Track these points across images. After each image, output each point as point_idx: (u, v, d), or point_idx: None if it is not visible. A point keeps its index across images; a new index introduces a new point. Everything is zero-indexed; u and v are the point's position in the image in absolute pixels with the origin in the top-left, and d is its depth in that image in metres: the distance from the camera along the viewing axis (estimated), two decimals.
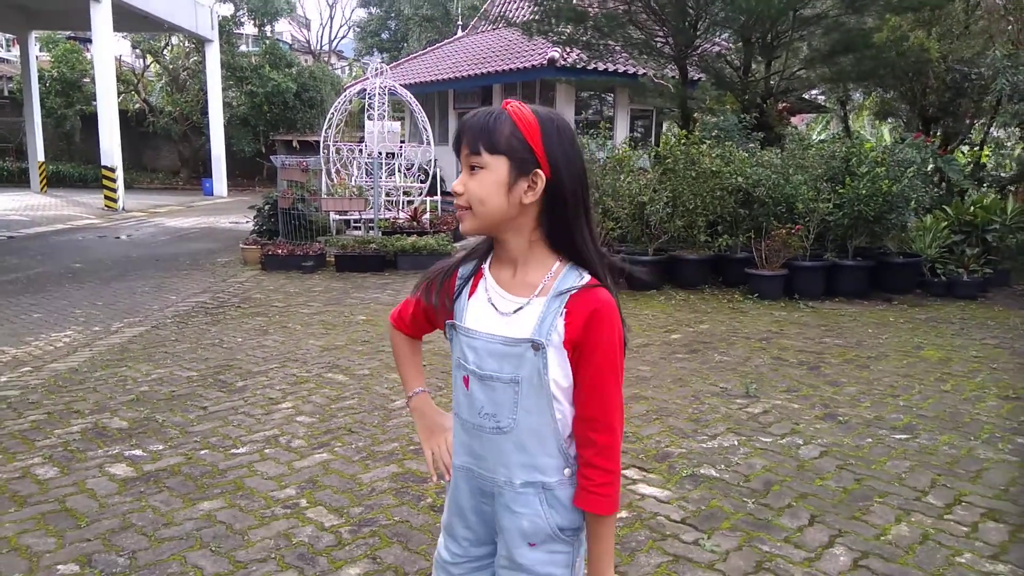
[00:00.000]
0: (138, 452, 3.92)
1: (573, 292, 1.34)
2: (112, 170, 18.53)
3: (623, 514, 3.28)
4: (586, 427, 1.36)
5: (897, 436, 4.26)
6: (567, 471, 1.39)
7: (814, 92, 17.86)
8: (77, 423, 4.36)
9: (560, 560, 1.42)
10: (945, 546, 3.06)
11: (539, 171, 1.32)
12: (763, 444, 4.11)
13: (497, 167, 1.32)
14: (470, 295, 1.44)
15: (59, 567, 2.85)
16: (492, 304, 1.40)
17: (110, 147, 18.37)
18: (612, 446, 1.37)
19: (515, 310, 1.37)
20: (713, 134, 10.35)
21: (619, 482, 1.39)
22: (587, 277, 1.37)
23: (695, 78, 13.78)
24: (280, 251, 10.25)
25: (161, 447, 3.99)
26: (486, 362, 1.39)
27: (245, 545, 3.00)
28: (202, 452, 3.92)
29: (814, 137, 16.83)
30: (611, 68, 15.98)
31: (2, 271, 10.00)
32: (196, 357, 5.78)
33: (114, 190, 18.76)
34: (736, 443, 4.13)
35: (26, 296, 8.39)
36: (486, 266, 1.45)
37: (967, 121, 11.96)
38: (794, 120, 19.06)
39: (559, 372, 1.34)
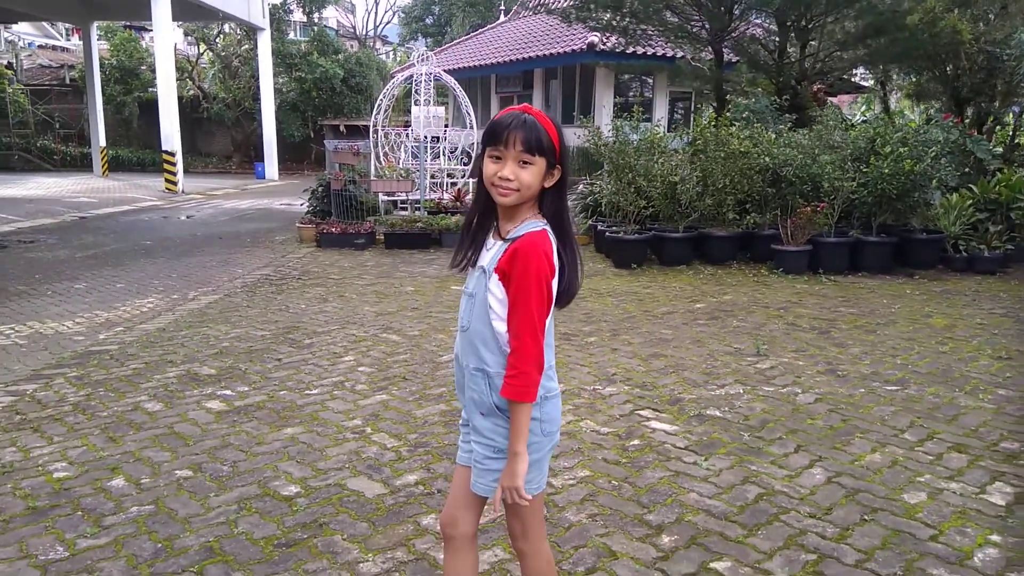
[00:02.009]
0: (228, 392, 4.64)
1: (519, 236, 1.88)
2: (172, 154, 19.54)
3: (635, 442, 3.89)
4: (509, 335, 1.91)
5: (889, 388, 4.77)
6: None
7: (858, 72, 18.04)
8: (172, 370, 5.10)
9: (502, 432, 1.94)
10: (909, 469, 3.59)
11: (558, 167, 1.92)
12: (765, 392, 4.67)
13: (540, 164, 1.89)
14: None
15: (176, 472, 3.56)
16: (486, 247, 2.00)
17: (170, 132, 19.36)
18: (519, 349, 1.85)
19: (489, 248, 1.97)
20: (744, 115, 10.76)
21: (527, 380, 1.85)
22: (539, 227, 1.88)
23: (731, 60, 14.14)
24: (334, 229, 10.98)
25: (246, 389, 4.71)
26: (470, 283, 2.01)
27: (324, 458, 3.68)
28: (281, 393, 4.63)
29: (857, 117, 17.01)
30: (649, 52, 16.40)
31: (81, 248, 10.92)
32: (267, 320, 6.51)
33: (174, 173, 19.79)
34: (741, 391, 4.69)
35: (107, 269, 9.25)
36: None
37: (999, 101, 12.12)
38: (838, 100, 19.23)
39: (497, 290, 1.90)
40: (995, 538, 2.99)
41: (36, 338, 6.10)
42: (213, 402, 4.48)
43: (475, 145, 14.75)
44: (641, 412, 4.33)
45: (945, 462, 3.68)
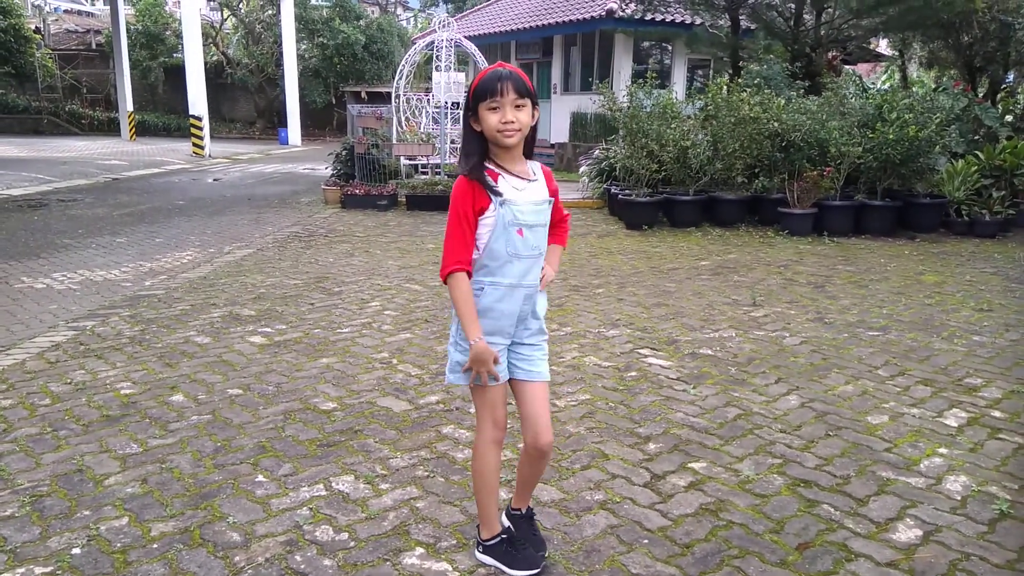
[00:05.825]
0: (268, 329, 5.14)
1: (537, 167, 2.42)
2: (199, 119, 20.04)
3: (632, 373, 4.34)
4: (560, 227, 2.57)
5: (871, 333, 5.18)
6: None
7: (879, 41, 18.07)
8: (216, 311, 5.61)
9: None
10: (876, 398, 4.02)
11: (536, 108, 2.32)
12: (756, 336, 5.09)
13: (528, 105, 2.28)
14: (495, 183, 2.34)
15: (228, 390, 4.06)
16: (514, 187, 2.34)
17: (197, 97, 19.85)
18: (567, 230, 2.64)
19: (522, 189, 2.33)
20: (755, 82, 11.03)
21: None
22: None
23: (748, 27, 14.32)
24: (358, 191, 11.44)
25: (284, 327, 5.20)
26: (530, 217, 2.35)
27: (356, 382, 4.17)
28: (316, 331, 5.12)
29: (878, 86, 17.11)
30: (667, 19, 16.57)
31: (118, 206, 11.46)
32: (298, 271, 7.01)
33: (201, 138, 20.30)
34: (734, 335, 5.11)
35: (143, 225, 9.78)
36: (493, 167, 2.34)
37: (1010, 69, 12.28)
38: (859, 69, 19.25)
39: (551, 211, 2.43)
40: (943, 451, 3.42)
41: (87, 284, 6.63)
42: (255, 337, 4.98)
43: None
44: (640, 351, 4.77)
45: (911, 393, 4.10)
